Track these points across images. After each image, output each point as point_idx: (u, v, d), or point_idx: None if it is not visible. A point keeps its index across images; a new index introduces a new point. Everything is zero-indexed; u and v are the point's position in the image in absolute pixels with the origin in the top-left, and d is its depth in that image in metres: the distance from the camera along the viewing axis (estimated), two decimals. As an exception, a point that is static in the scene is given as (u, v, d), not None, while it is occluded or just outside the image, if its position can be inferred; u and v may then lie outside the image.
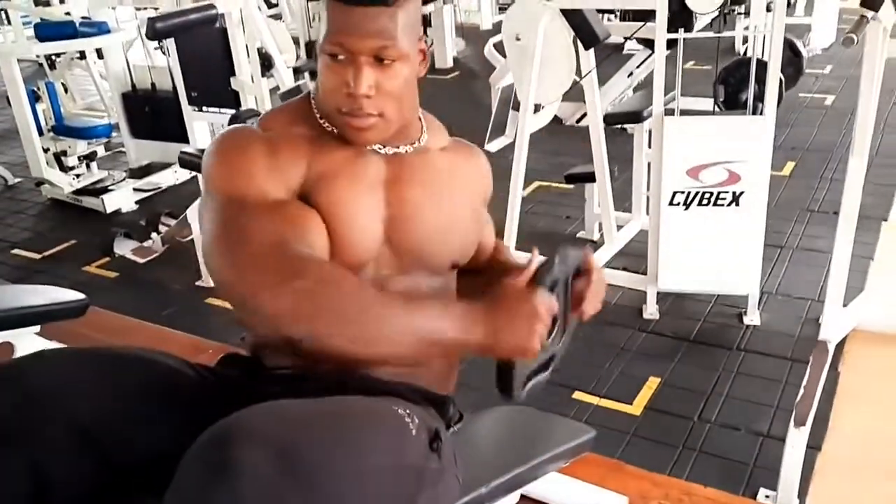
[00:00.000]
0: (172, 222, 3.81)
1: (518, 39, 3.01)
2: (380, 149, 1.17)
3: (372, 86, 1.08)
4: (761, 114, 2.70)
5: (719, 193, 2.77)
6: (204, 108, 3.76)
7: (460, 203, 1.22)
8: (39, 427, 0.97)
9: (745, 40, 6.04)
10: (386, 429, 0.99)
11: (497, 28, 7.91)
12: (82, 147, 4.65)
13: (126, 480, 1.01)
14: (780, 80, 2.96)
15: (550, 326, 1.09)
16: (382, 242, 1.14)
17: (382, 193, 1.15)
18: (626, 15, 4.11)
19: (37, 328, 2.34)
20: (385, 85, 1.09)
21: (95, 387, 1.02)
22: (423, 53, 1.15)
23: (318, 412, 0.96)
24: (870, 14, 1.83)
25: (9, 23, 8.26)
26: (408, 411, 1.03)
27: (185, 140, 3.99)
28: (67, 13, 5.76)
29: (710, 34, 2.93)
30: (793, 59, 5.04)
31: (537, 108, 3.25)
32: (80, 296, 2.38)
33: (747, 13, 5.09)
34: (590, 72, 3.09)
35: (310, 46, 6.47)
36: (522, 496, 1.68)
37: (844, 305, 2.63)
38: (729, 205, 2.77)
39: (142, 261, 3.72)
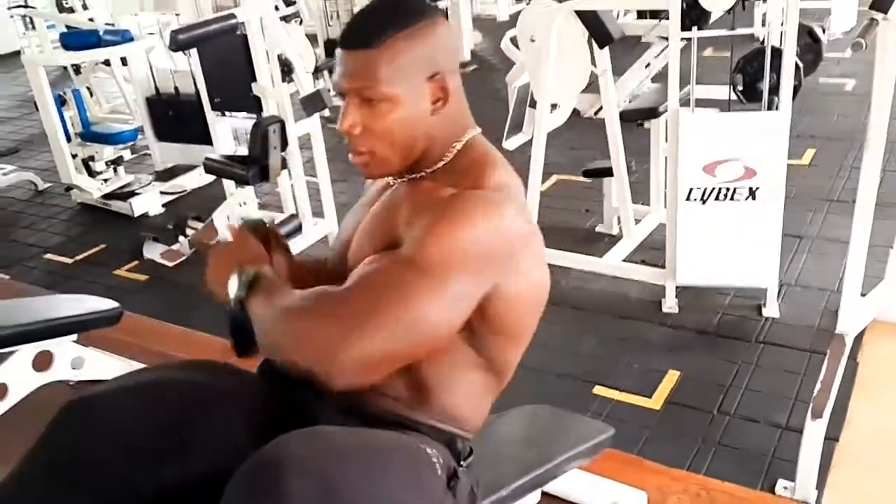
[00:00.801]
0: (199, 225, 3.90)
1: (533, 40, 3.04)
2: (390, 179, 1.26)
3: (355, 124, 1.13)
4: (777, 108, 2.72)
5: (735, 189, 2.79)
6: (227, 113, 3.84)
7: (377, 232, 1.19)
8: (105, 460, 1.07)
9: (763, 24, 6.00)
10: (417, 468, 1.05)
11: (514, 19, 7.91)
12: (109, 152, 4.75)
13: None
14: (799, 68, 2.96)
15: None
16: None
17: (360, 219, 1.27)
18: (643, 11, 4.10)
19: (74, 336, 2.44)
20: (372, 124, 1.12)
21: (154, 417, 1.12)
22: (440, 90, 1.14)
23: (358, 446, 1.01)
24: (880, 16, 1.85)
25: (33, 28, 8.42)
26: (434, 451, 1.09)
27: (209, 142, 4.07)
28: (91, 19, 5.88)
29: (725, 31, 2.93)
30: (811, 45, 5.00)
31: (554, 106, 3.29)
32: (114, 304, 2.48)
33: (765, -1, 5.08)
34: (605, 70, 3.12)
35: (328, 45, 6.53)
36: (543, 493, 1.74)
37: (863, 295, 2.65)
38: (745, 200, 2.79)
39: (170, 264, 3.82)
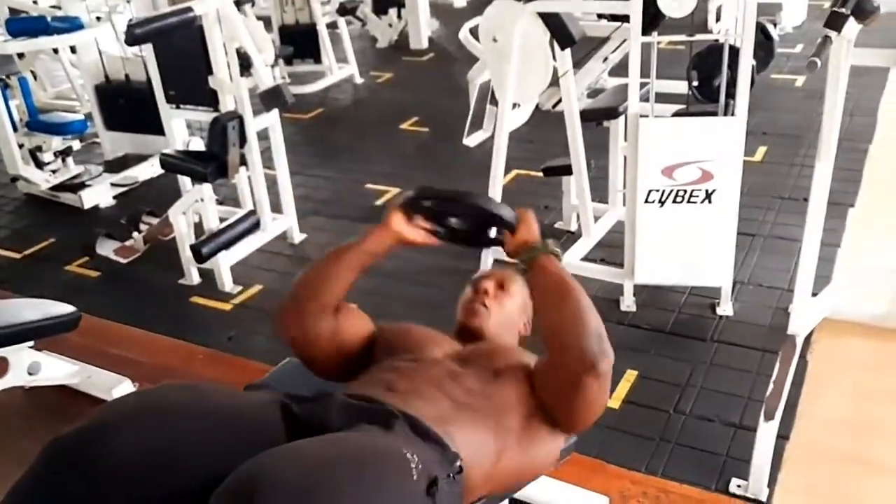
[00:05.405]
0: (153, 220, 3.83)
1: (495, 41, 3.05)
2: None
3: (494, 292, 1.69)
4: (733, 114, 2.78)
5: (692, 191, 2.85)
6: (181, 107, 3.75)
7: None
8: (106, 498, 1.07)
9: (718, 17, 6.11)
10: (392, 474, 1.09)
11: (472, 6, 7.90)
12: (57, 142, 4.61)
13: None
14: (752, 66, 3.03)
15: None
16: None
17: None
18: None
19: (31, 342, 2.39)
20: (501, 299, 1.69)
21: (155, 451, 1.12)
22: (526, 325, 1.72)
23: (332, 455, 1.06)
24: (833, 34, 1.90)
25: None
26: (415, 456, 1.12)
27: (161, 132, 3.98)
28: (35, 2, 5.67)
29: (684, 37, 2.98)
30: (764, 42, 5.11)
31: (515, 105, 3.30)
32: (72, 308, 2.44)
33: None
34: (567, 72, 3.14)
35: (283, 31, 6.43)
36: (510, 499, 1.78)
37: (813, 295, 2.74)
38: (702, 202, 2.86)
39: (124, 261, 3.74)
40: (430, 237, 1.58)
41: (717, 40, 3.75)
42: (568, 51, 3.14)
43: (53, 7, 5.50)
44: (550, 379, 1.43)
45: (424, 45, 7.31)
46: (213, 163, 3.29)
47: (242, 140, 3.39)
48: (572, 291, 1.41)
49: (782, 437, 2.39)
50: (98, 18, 5.14)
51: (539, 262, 1.46)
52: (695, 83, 4.30)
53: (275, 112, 3.64)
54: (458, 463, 1.24)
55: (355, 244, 1.56)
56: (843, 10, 2.01)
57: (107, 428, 1.13)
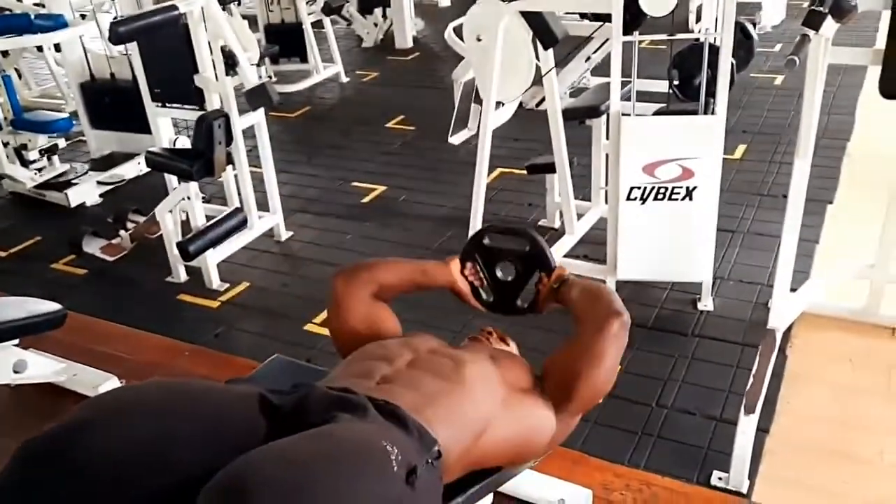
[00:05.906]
0: (139, 218, 3.83)
1: (479, 40, 3.08)
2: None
3: (498, 335, 1.92)
4: (713, 112, 2.82)
5: (673, 189, 2.89)
6: (167, 105, 3.75)
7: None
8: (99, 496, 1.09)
9: (699, 17, 6.16)
10: (373, 467, 1.13)
11: (456, 6, 7.92)
12: (43, 140, 4.60)
13: None
14: (732, 65, 3.08)
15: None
16: None
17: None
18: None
19: (16, 340, 2.40)
20: (499, 342, 1.90)
21: (145, 447, 1.14)
22: None
23: (320, 456, 1.10)
24: (811, 33, 1.95)
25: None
26: (394, 448, 1.15)
27: (147, 130, 3.98)
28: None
29: (665, 36, 3.01)
30: (743, 41, 5.16)
31: (499, 103, 3.33)
32: (57, 306, 2.45)
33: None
34: (549, 70, 3.17)
35: (269, 29, 6.43)
36: (495, 492, 1.81)
37: (792, 290, 2.79)
38: (683, 199, 2.89)
39: (111, 259, 3.74)
40: (472, 297, 1.90)
41: (697, 40, 3.80)
42: (551, 50, 3.17)
43: (37, 5, 5.48)
44: (572, 342, 1.68)
45: (409, 44, 7.33)
46: (199, 161, 3.30)
47: (229, 138, 3.39)
48: (600, 286, 1.83)
49: (762, 430, 2.44)
50: (83, 16, 5.14)
51: (571, 278, 1.83)
52: (676, 82, 4.36)
53: (261, 110, 3.65)
54: (436, 448, 1.28)
55: (417, 260, 1.91)
56: (822, 8, 2.05)
57: (95, 424, 1.13)
